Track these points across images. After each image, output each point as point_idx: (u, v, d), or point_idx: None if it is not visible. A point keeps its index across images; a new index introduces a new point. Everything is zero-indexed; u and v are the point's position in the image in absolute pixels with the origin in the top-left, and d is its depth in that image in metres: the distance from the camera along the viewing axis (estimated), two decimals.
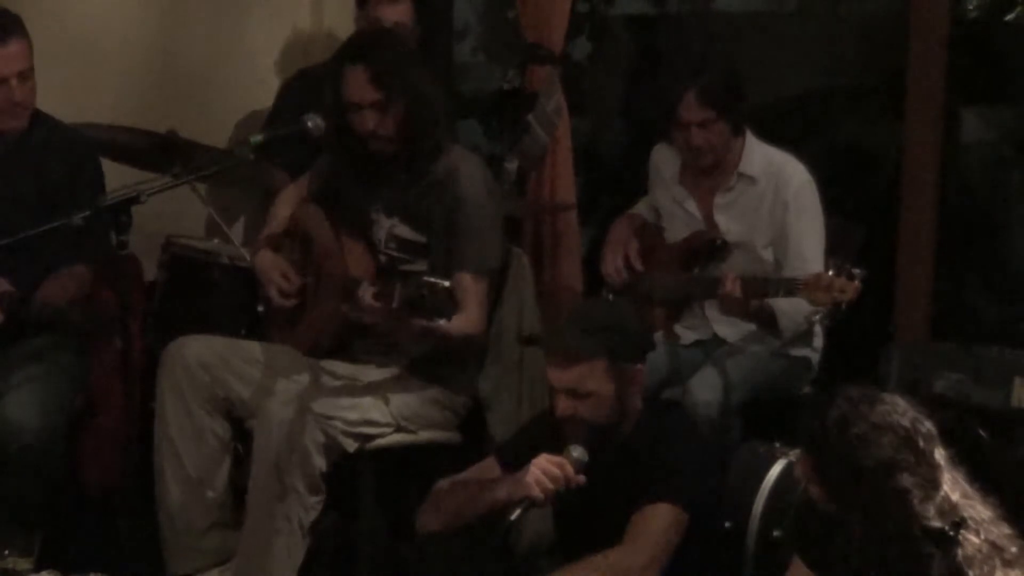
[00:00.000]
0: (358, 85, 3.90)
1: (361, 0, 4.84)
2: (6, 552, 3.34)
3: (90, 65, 4.84)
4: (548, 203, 5.15)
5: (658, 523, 3.30)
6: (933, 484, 2.72)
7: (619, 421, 3.42)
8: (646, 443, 3.40)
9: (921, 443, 2.74)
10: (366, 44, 4.01)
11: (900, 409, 2.77)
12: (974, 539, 2.70)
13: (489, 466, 3.55)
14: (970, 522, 2.72)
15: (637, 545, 3.29)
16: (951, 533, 2.68)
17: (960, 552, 2.67)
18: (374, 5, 4.77)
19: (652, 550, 3.29)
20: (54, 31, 4.65)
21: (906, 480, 2.70)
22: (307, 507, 3.80)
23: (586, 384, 3.36)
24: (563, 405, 3.38)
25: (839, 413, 2.77)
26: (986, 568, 2.67)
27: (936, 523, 2.69)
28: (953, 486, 2.76)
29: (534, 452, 3.33)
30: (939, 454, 2.76)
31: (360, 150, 3.99)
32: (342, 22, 5.22)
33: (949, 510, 2.72)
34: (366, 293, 3.72)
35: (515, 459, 3.43)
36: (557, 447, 3.34)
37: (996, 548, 2.71)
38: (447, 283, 3.46)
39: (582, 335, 3.37)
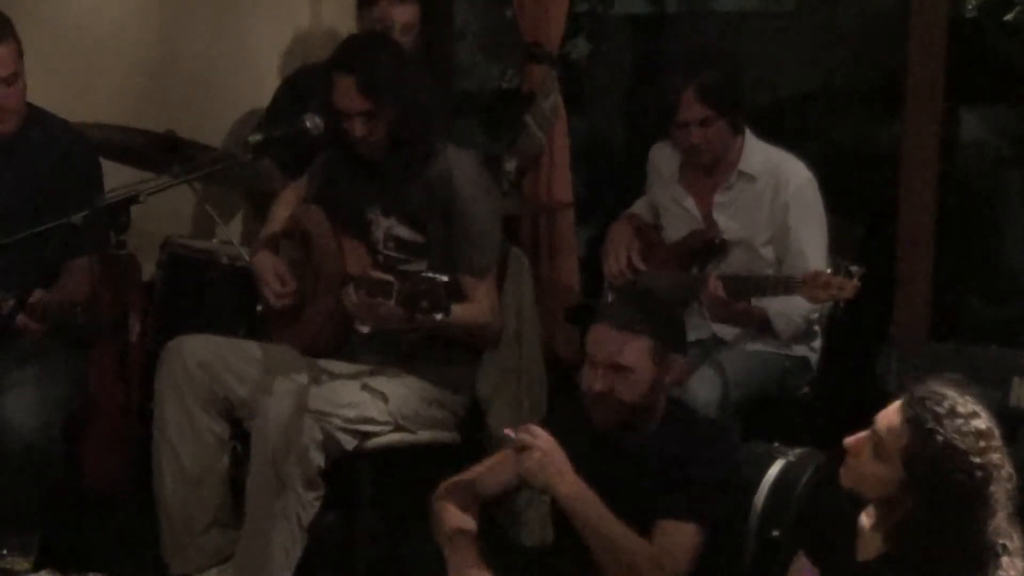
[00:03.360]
0: (347, 94, 3.90)
1: (368, 0, 4.83)
2: (4, 552, 3.34)
3: (90, 65, 4.83)
4: (546, 203, 5.14)
5: (687, 545, 3.26)
6: (1003, 502, 2.70)
7: (648, 409, 3.39)
8: (672, 452, 3.35)
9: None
10: (355, 52, 4.00)
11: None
12: (1020, 563, 2.68)
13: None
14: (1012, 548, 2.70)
15: (665, 563, 3.24)
16: (1007, 552, 2.66)
17: (1002, 574, 2.66)
18: (385, 6, 4.76)
19: (678, 571, 3.25)
20: (53, 31, 4.65)
21: (996, 488, 2.67)
22: (305, 504, 3.79)
23: (628, 357, 3.34)
24: (600, 382, 3.35)
25: (954, 406, 2.68)
26: None
27: (1000, 539, 2.67)
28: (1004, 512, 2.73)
29: (564, 434, 3.30)
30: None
31: (354, 152, 4.00)
32: (342, 21, 5.22)
33: (1003, 531, 2.69)
34: (355, 293, 3.73)
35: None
36: (587, 427, 3.36)
37: None
38: (445, 277, 3.47)
39: (635, 310, 3.40)
